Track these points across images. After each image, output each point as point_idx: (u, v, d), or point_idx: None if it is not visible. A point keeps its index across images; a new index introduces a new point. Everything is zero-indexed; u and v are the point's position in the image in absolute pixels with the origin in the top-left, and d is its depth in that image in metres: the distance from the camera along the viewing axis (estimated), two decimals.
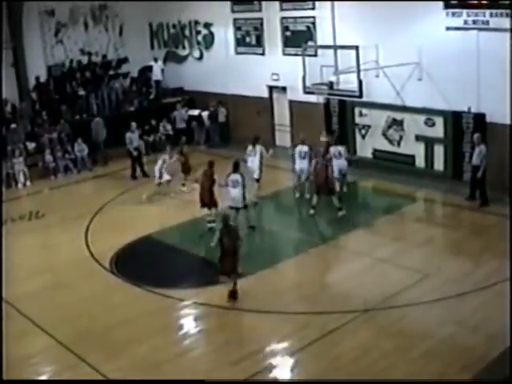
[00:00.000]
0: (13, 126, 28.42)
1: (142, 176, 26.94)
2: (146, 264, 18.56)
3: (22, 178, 27.25)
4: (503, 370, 11.14)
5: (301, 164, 22.22)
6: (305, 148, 22.28)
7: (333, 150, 21.95)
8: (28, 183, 27.36)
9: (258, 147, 22.55)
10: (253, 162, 22.42)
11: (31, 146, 28.70)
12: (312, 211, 20.72)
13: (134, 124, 27.32)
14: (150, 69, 33.24)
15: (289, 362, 13.42)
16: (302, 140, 22.65)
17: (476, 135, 21.07)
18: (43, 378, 13.48)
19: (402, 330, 14.04)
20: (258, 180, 22.47)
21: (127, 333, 14.72)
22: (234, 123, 31.54)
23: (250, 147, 22.69)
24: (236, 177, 19.55)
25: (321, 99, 26.76)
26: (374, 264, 17.55)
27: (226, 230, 15.57)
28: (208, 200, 20.23)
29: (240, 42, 30.55)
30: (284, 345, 13.94)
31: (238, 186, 19.45)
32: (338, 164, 21.87)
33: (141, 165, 27.24)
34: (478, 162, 20.69)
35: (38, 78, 30.90)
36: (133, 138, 27.10)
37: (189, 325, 15.43)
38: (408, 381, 12.15)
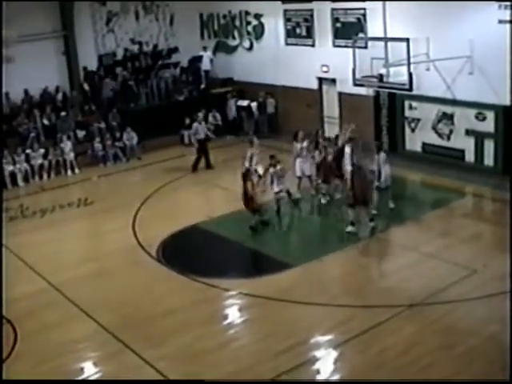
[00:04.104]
0: (63, 114, 28.79)
1: (206, 168, 26.55)
2: (193, 253, 18.64)
3: (71, 166, 27.56)
4: None
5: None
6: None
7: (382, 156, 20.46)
8: (77, 171, 27.66)
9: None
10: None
11: (81, 134, 29.05)
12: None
13: (200, 114, 26.95)
14: (199, 59, 33.31)
15: (332, 354, 13.38)
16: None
17: None
18: (87, 363, 13.66)
19: (446, 327, 13.93)
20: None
21: (172, 321, 14.82)
22: (283, 114, 31.51)
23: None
24: None
25: (370, 92, 26.61)
26: (420, 259, 17.41)
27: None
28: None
29: (290, 33, 30.45)
30: (328, 337, 13.92)
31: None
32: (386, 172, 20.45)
33: (207, 156, 26.81)
34: None
35: (85, 68, 31.27)
36: (199, 128, 26.79)
37: (234, 315, 15.50)
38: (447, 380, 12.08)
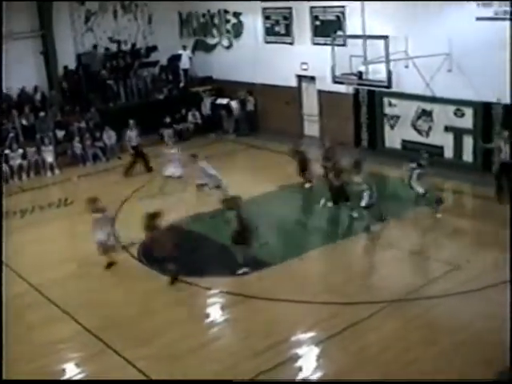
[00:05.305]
0: (41, 114, 28.64)
1: (147, 172, 26.31)
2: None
3: (50, 166, 27.44)
4: None
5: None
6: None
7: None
8: (57, 171, 27.55)
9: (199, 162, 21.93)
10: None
11: (60, 134, 28.91)
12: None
13: (132, 122, 26.82)
14: (178, 57, 33.27)
15: (315, 352, 13.41)
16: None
17: (505, 133, 20.76)
18: (70, 364, 13.60)
19: (429, 323, 13.98)
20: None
21: (154, 321, 14.80)
22: (262, 113, 31.54)
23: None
24: None
25: (350, 89, 26.68)
26: (402, 255, 17.49)
27: None
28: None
29: (269, 31, 30.48)
30: (310, 335, 13.94)
31: None
32: None
33: (145, 161, 26.68)
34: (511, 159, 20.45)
35: (66, 67, 31.14)
36: (132, 136, 26.79)
37: (215, 314, 15.46)
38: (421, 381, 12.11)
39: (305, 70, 29.11)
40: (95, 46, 32.29)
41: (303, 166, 23.06)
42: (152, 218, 16.54)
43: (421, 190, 19.72)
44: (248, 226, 16.78)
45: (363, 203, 18.62)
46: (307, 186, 23.07)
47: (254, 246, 17.21)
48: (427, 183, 19.76)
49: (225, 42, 33.16)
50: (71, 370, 13.38)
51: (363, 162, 19.43)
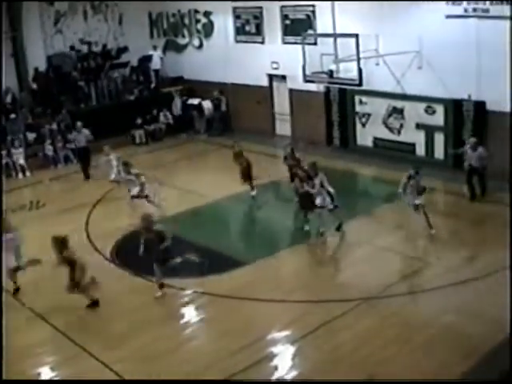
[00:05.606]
0: (12, 116, 28.43)
1: (84, 179, 26.10)
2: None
3: (21, 168, 27.25)
4: (504, 358, 11.14)
5: None
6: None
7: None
8: (28, 173, 27.38)
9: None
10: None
11: (31, 136, 28.70)
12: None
13: (79, 123, 26.39)
14: (149, 58, 33.17)
15: (290, 350, 13.44)
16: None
17: (472, 140, 20.76)
18: (46, 368, 13.52)
19: (403, 319, 14.04)
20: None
21: (128, 322, 14.76)
22: (233, 112, 31.55)
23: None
24: None
25: (321, 88, 26.75)
26: (374, 252, 17.55)
27: None
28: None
29: (240, 31, 30.48)
30: (285, 333, 13.97)
31: None
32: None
33: (86, 166, 26.23)
34: (478, 165, 20.50)
35: (36, 69, 30.91)
36: (78, 138, 26.47)
37: (190, 314, 15.44)
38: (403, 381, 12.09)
39: (276, 69, 29.15)
40: (72, 48, 32.11)
41: (248, 172, 22.09)
42: (59, 242, 16.05)
43: (410, 202, 18.88)
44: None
45: (329, 206, 18.63)
46: (253, 193, 22.31)
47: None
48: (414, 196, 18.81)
49: (195, 42, 33.10)
50: (46, 374, 13.31)
51: (318, 164, 19.10)
